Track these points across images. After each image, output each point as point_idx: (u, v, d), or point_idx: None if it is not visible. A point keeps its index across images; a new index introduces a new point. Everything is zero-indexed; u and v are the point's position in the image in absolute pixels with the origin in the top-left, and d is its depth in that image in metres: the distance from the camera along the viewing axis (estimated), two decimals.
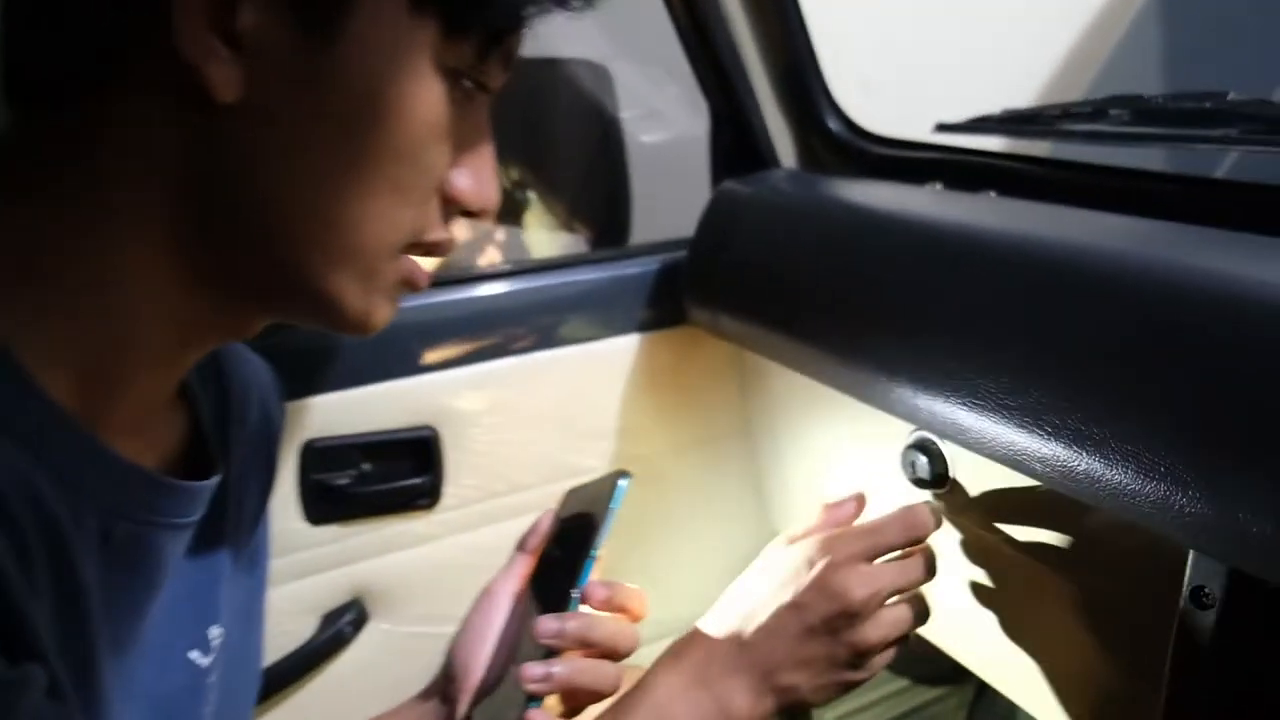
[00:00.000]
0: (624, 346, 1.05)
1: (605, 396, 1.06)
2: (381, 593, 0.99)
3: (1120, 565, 0.70)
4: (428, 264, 0.52)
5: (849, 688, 0.66)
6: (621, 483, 0.68)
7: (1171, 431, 0.58)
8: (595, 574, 0.67)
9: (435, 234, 0.50)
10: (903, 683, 1.38)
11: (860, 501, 0.74)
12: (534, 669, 0.62)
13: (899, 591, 0.67)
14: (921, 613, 0.69)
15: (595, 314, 1.04)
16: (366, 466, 0.95)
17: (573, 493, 0.74)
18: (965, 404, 0.70)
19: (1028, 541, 0.74)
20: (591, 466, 1.04)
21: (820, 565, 0.66)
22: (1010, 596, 0.77)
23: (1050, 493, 0.68)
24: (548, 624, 0.63)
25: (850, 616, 0.64)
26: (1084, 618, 0.73)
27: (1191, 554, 0.60)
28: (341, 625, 0.96)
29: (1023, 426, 0.66)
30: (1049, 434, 0.64)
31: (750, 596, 0.68)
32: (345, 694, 0.97)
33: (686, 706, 0.64)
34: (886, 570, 0.67)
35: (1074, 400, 0.63)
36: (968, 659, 0.87)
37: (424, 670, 0.75)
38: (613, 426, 1.06)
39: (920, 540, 0.70)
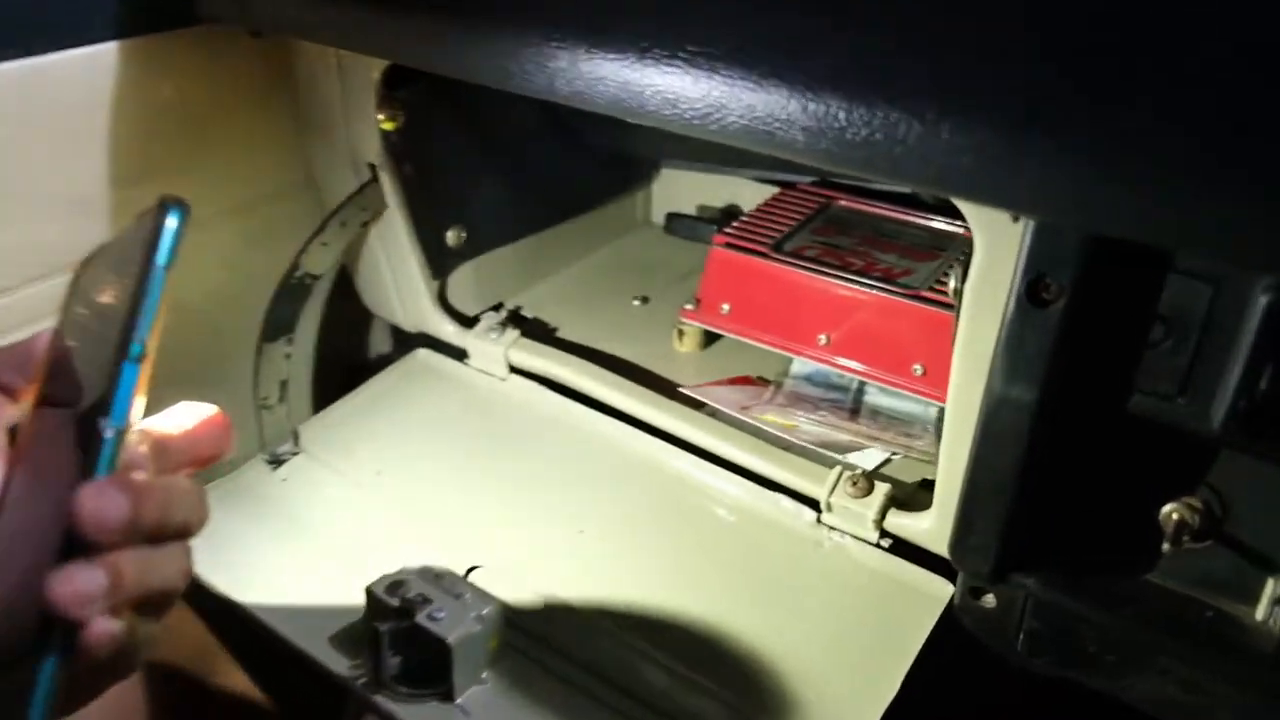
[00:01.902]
0: (96, 63, 0.66)
1: (82, 139, 0.67)
2: None
3: None
4: None
5: None
6: (170, 221, 0.34)
7: (1023, 50, 0.38)
8: (142, 390, 0.34)
9: None
10: None
11: None
12: (67, 587, 0.31)
13: None
14: None
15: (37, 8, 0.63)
16: None
17: (89, 264, 0.38)
18: (676, 65, 0.45)
19: None
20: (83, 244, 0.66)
21: None
22: None
23: None
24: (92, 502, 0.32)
25: None
26: None
27: (1029, 235, 0.42)
28: None
29: (778, 80, 0.43)
30: (814, 94, 0.42)
31: None
32: None
33: None
34: None
35: (861, 34, 0.41)
36: None
37: None
38: (105, 190, 0.68)
39: None
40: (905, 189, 0.81)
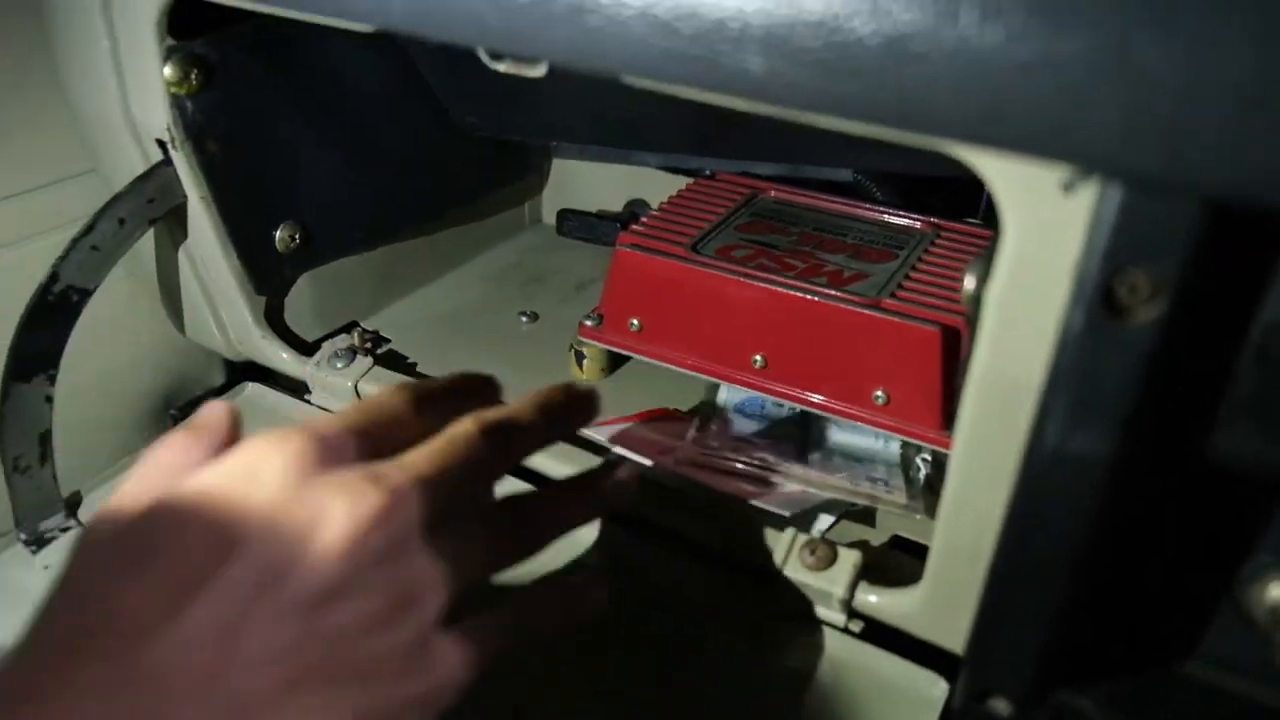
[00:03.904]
0: None
1: None
2: None
3: None
4: None
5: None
6: None
7: None
8: None
9: None
10: None
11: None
12: None
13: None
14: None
15: None
16: None
17: None
18: None
19: None
20: None
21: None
22: None
23: None
24: None
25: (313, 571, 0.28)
26: None
27: (1107, 210, 0.28)
28: None
29: None
30: None
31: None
32: None
33: None
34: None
35: None
36: None
37: None
38: None
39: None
40: (845, 171, 0.68)
